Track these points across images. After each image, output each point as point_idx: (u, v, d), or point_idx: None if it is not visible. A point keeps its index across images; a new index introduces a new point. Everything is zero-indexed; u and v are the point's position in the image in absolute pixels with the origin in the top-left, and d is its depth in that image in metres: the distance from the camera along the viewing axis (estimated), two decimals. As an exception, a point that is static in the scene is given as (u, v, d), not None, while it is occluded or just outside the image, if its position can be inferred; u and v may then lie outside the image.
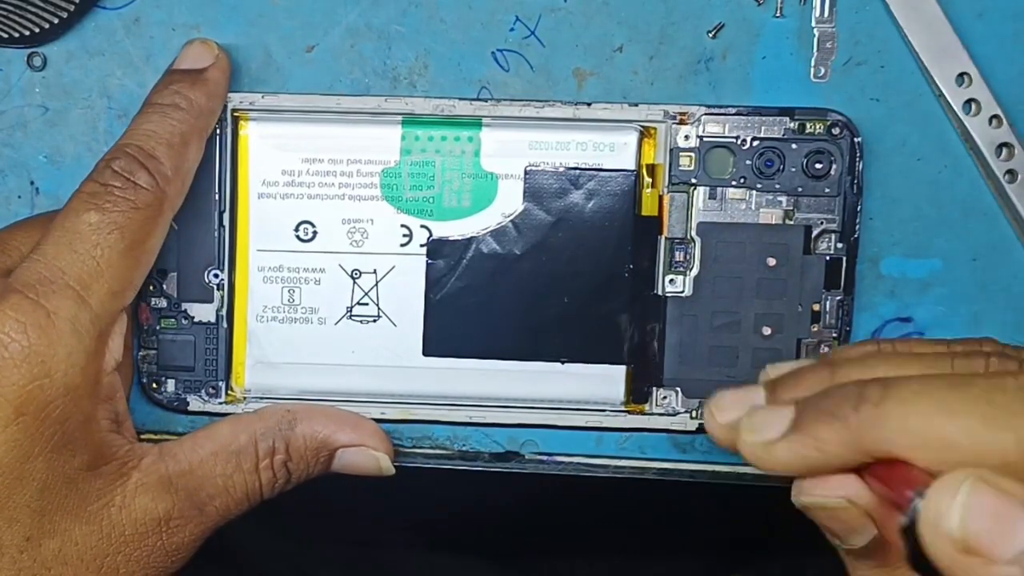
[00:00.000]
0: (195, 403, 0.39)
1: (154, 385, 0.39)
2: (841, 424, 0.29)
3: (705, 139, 0.38)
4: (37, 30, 0.38)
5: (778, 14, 0.38)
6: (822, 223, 0.38)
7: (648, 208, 0.38)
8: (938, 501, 0.26)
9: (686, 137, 0.38)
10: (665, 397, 0.39)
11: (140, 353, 0.39)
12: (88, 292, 0.34)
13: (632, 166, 0.38)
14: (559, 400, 0.39)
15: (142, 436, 0.40)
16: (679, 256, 0.39)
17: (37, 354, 0.33)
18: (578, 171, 0.38)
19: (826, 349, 0.39)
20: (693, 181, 0.38)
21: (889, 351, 0.34)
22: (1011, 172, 0.38)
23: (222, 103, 0.37)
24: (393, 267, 0.39)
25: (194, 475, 0.36)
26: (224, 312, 0.39)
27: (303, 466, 0.37)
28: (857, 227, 0.38)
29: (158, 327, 0.39)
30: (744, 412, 0.32)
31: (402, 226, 0.38)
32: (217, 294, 0.39)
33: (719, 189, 0.38)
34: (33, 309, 0.33)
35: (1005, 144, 0.38)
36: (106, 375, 0.35)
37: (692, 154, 0.38)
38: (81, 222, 0.34)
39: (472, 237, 0.38)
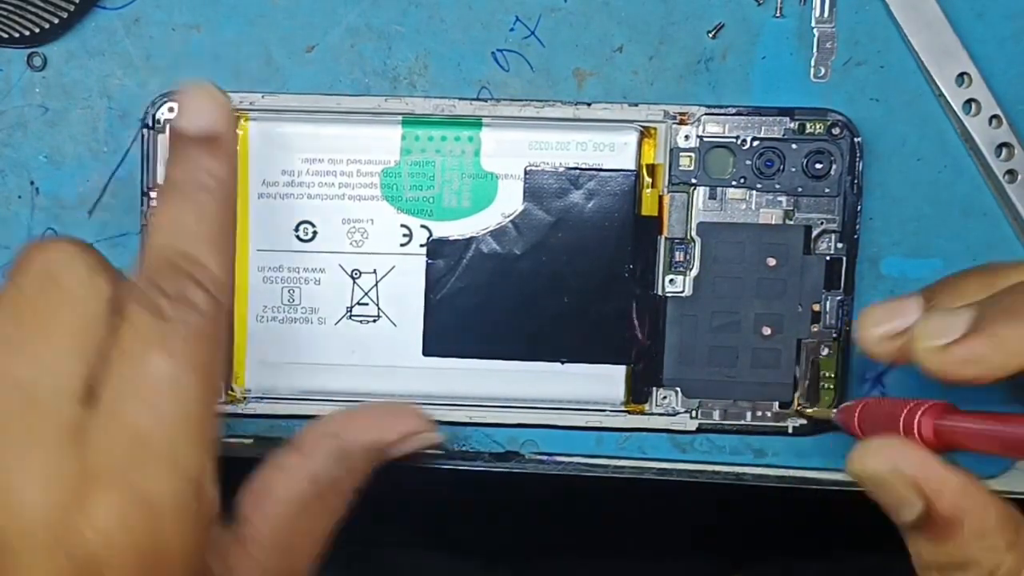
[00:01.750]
0: (195, 403, 0.39)
1: (154, 385, 0.39)
2: None
3: (705, 139, 0.38)
4: (37, 30, 0.38)
5: (778, 14, 0.38)
6: (822, 223, 0.38)
7: (648, 208, 0.38)
8: None
9: (686, 137, 0.38)
10: (665, 397, 0.39)
11: (140, 353, 0.39)
12: (179, 454, 0.29)
13: (632, 166, 0.38)
14: (559, 400, 0.39)
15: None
16: (679, 256, 0.39)
17: (147, 550, 0.28)
18: (578, 171, 0.38)
19: (826, 350, 0.39)
20: (693, 181, 0.38)
21: None
22: (1011, 172, 0.38)
23: (236, 158, 0.35)
24: (393, 267, 0.39)
25: (286, 552, 0.34)
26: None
27: (363, 477, 0.36)
28: (857, 227, 0.38)
29: (158, 327, 0.39)
30: (898, 321, 0.31)
31: (402, 226, 0.38)
32: (217, 294, 0.39)
33: (719, 189, 0.38)
34: (128, 501, 0.28)
35: (1005, 144, 0.38)
36: (213, 528, 0.31)
37: (692, 154, 0.38)
38: (150, 373, 0.29)
39: (472, 237, 0.38)
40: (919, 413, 0.30)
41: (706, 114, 0.38)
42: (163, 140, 0.38)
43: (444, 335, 0.39)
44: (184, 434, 0.29)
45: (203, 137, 0.33)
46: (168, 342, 0.29)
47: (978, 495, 0.30)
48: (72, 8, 0.37)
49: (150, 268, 0.30)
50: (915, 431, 0.30)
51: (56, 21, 0.38)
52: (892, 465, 0.30)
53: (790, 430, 0.39)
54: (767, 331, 0.39)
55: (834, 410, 0.36)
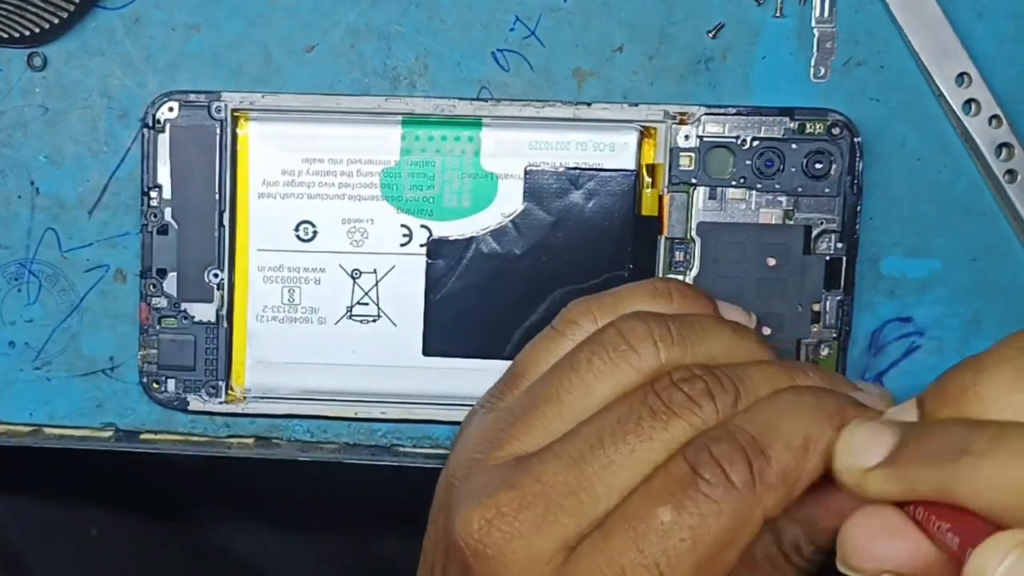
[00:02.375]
0: (195, 403, 0.39)
1: (154, 384, 0.39)
2: (937, 471, 0.26)
3: (705, 139, 0.38)
4: (37, 30, 0.38)
5: (778, 14, 0.38)
6: (822, 223, 0.38)
7: (648, 208, 0.38)
8: (983, 563, 0.24)
9: (686, 137, 0.38)
10: (665, 397, 0.39)
11: (140, 353, 0.39)
12: None
13: (632, 166, 0.38)
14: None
15: (142, 436, 0.40)
16: (679, 256, 0.39)
17: None
18: (578, 171, 0.38)
19: (827, 350, 0.39)
20: (693, 181, 0.38)
21: None
22: (1011, 172, 0.38)
23: None
24: (393, 267, 0.39)
25: None
26: (224, 312, 0.39)
27: None
28: (857, 227, 0.38)
29: (158, 327, 0.39)
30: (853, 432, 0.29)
31: (402, 226, 0.38)
32: (217, 294, 0.39)
33: (719, 189, 0.38)
34: None
35: (1005, 144, 0.38)
36: None
37: (692, 154, 0.38)
38: (653, 516, 0.28)
39: (472, 237, 0.38)
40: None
41: (706, 114, 0.38)
42: (163, 140, 0.38)
43: (444, 335, 0.39)
44: None
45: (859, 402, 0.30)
46: (683, 497, 0.28)
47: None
48: (72, 8, 0.37)
49: (714, 430, 0.29)
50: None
51: (56, 21, 0.38)
52: (893, 564, 0.27)
53: (790, 430, 0.39)
54: (767, 331, 0.38)
55: None
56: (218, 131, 0.38)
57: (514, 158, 0.38)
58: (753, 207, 0.38)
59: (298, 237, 0.38)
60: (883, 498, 0.27)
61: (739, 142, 0.38)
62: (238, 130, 0.38)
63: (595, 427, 0.30)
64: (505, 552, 0.29)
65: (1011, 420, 0.26)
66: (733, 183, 0.38)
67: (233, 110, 0.38)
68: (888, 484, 0.27)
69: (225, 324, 0.39)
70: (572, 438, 0.30)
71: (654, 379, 0.30)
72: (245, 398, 0.39)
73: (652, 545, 0.28)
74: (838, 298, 0.38)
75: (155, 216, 0.38)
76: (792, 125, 0.38)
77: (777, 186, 0.38)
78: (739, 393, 0.30)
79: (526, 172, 0.38)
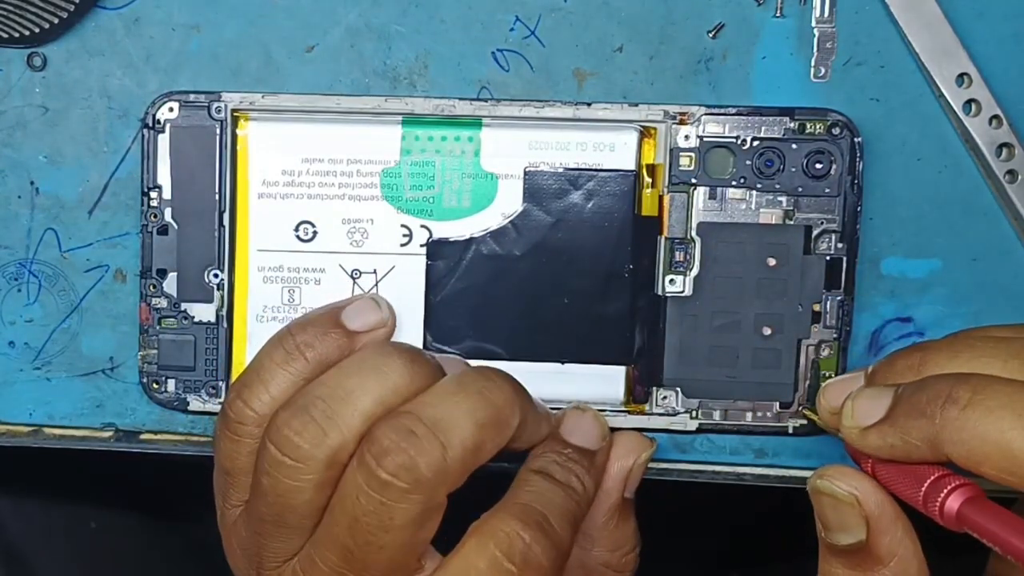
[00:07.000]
0: (195, 403, 0.39)
1: (154, 385, 0.39)
2: (927, 421, 0.30)
3: (705, 139, 0.38)
4: (37, 30, 0.38)
5: (778, 14, 0.38)
6: (822, 223, 0.38)
7: (648, 208, 0.38)
8: None
9: (686, 137, 0.38)
10: (665, 397, 0.39)
11: (140, 353, 0.39)
12: None
13: (632, 166, 0.38)
14: (559, 400, 0.39)
15: (142, 436, 0.40)
16: (679, 256, 0.39)
17: None
18: (578, 171, 0.38)
19: (827, 350, 0.39)
20: (693, 181, 0.38)
21: (976, 336, 0.34)
22: (1011, 172, 0.38)
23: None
24: (393, 267, 0.39)
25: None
26: (224, 312, 0.39)
27: None
28: (857, 227, 0.38)
29: (158, 327, 0.39)
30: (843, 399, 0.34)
31: (402, 226, 0.38)
32: (217, 294, 0.39)
33: (719, 189, 0.38)
34: None
35: (1005, 144, 0.38)
36: None
37: (692, 154, 0.38)
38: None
39: (472, 237, 0.38)
40: (948, 489, 0.31)
41: (706, 114, 0.38)
42: (163, 140, 0.38)
43: (444, 335, 0.39)
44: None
45: (584, 449, 0.36)
46: (499, 569, 0.32)
47: (912, 545, 0.33)
48: (72, 8, 0.38)
49: (513, 508, 0.34)
50: (937, 505, 0.31)
51: (56, 21, 0.38)
52: (858, 496, 0.32)
53: (790, 430, 0.39)
54: (767, 331, 0.39)
55: None
56: (218, 131, 0.38)
57: (514, 158, 0.38)
58: (753, 207, 0.38)
59: (298, 237, 0.38)
60: (880, 452, 0.32)
61: (739, 142, 0.38)
62: (238, 130, 0.38)
63: (341, 533, 0.32)
64: None
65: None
66: (733, 183, 0.38)
67: (233, 110, 0.38)
68: (883, 438, 0.32)
69: (225, 324, 0.39)
70: (328, 548, 0.33)
71: (340, 469, 0.33)
72: (245, 398, 0.39)
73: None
74: (838, 298, 0.38)
75: (155, 216, 0.38)
76: (792, 125, 0.38)
77: (777, 186, 0.38)
78: (433, 436, 0.33)
79: (526, 172, 0.38)
